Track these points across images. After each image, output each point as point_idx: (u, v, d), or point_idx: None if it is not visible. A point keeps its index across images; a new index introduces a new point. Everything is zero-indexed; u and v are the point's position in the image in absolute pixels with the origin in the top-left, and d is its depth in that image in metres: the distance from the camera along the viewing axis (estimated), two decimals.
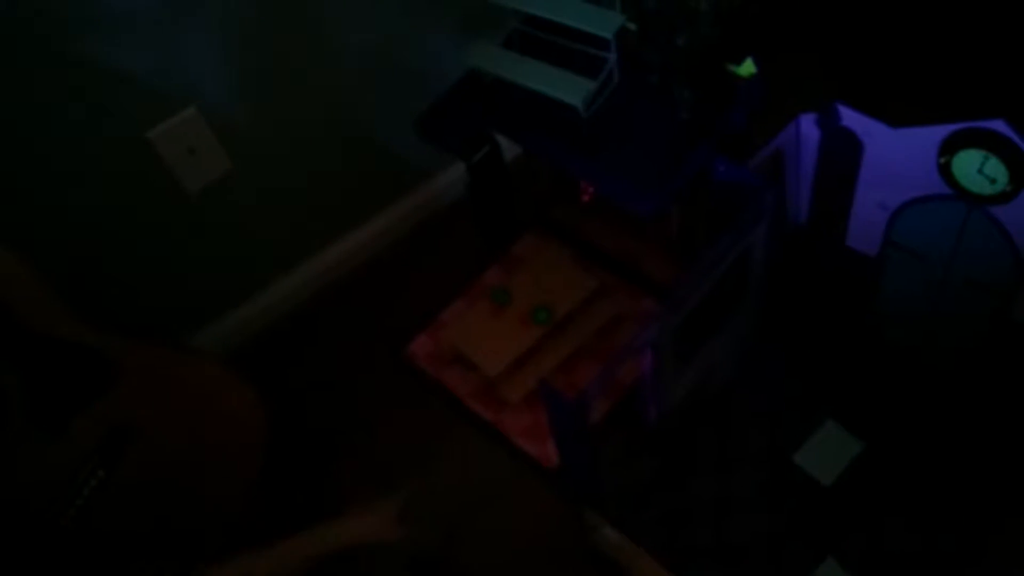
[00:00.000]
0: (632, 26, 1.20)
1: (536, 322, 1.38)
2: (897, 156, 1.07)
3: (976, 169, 0.99)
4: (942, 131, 1.00)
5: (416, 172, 1.62)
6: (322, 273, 1.59)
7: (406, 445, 1.38)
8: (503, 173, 1.36)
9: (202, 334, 1.49)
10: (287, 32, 1.30)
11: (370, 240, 1.62)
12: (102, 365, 1.01)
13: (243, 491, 1.22)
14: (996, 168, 0.97)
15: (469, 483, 1.33)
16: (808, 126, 1.15)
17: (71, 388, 1.00)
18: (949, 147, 1.00)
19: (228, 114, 1.30)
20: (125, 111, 1.21)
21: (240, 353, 1.52)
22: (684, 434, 1.30)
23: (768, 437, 1.27)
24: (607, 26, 1.17)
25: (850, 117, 1.09)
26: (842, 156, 1.14)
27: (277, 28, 1.29)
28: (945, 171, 1.02)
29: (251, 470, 1.21)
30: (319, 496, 1.37)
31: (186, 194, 1.33)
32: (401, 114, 1.31)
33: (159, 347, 1.09)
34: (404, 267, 1.60)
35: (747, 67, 1.15)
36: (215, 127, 1.29)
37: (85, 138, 1.20)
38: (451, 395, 1.40)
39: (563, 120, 1.21)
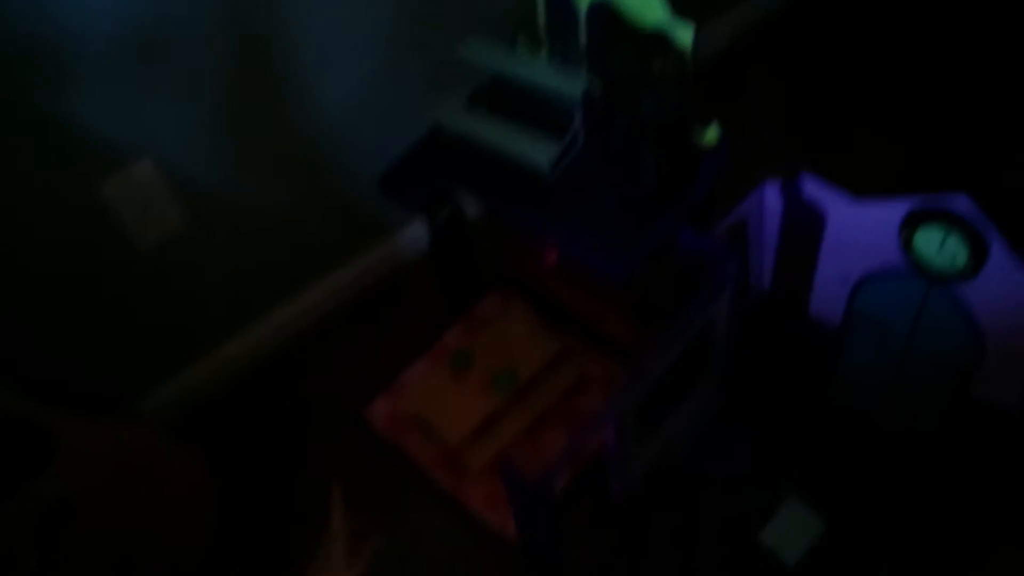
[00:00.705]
0: (598, 89, 1.20)
1: (498, 387, 1.36)
2: (859, 229, 1.07)
3: (937, 246, 0.99)
4: (903, 207, 1.00)
5: (378, 227, 1.60)
6: (279, 329, 1.55)
7: (363, 513, 1.34)
8: (466, 232, 1.34)
9: (153, 397, 1.44)
10: (247, 86, 1.28)
11: (328, 296, 1.58)
12: (39, 441, 0.96)
13: (191, 569, 1.16)
14: (956, 246, 0.97)
15: (427, 554, 1.28)
16: (772, 195, 1.15)
17: (5, 467, 0.94)
18: (910, 223, 1.00)
19: (185, 168, 1.27)
20: (76, 164, 1.17)
21: (193, 415, 1.47)
22: (647, 507, 1.27)
23: (731, 512, 1.25)
24: (573, 88, 1.17)
25: (813, 188, 1.09)
26: (805, 226, 1.14)
27: (237, 81, 1.27)
28: (906, 246, 1.02)
29: (199, 547, 1.16)
30: (274, 566, 1.32)
31: (138, 249, 1.29)
32: (364, 169, 1.29)
33: (100, 419, 1.04)
34: (365, 324, 1.57)
35: (711, 134, 1.15)
36: (171, 181, 1.26)
37: (33, 193, 1.16)
38: (411, 460, 1.36)
39: (528, 180, 1.19)
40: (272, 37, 1.27)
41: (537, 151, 1.18)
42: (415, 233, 1.61)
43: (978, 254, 0.96)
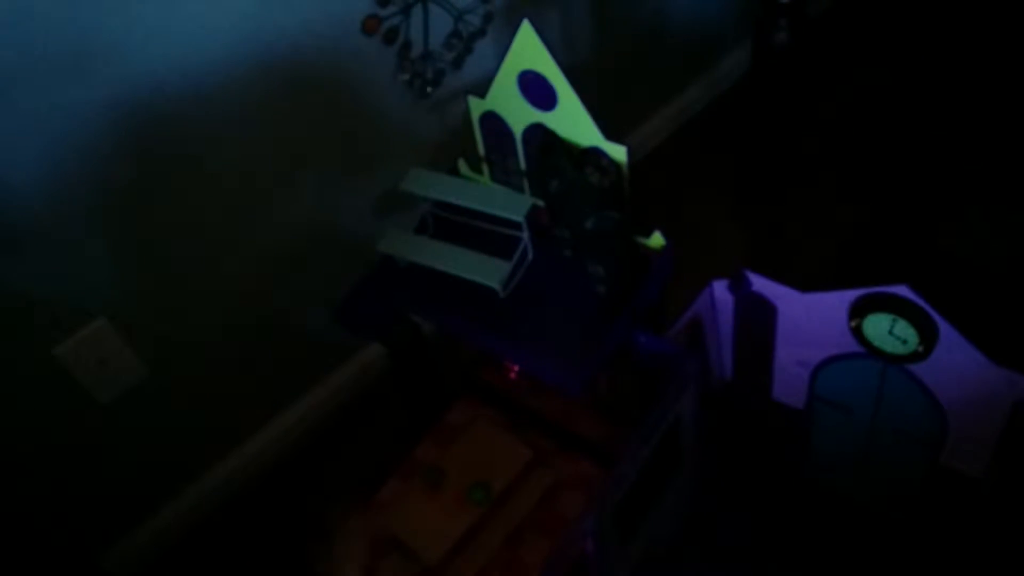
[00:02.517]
0: (541, 203, 1.23)
1: (473, 501, 1.34)
2: (810, 319, 1.09)
3: (886, 331, 1.01)
4: (849, 296, 1.02)
5: (342, 349, 1.60)
6: (251, 460, 1.53)
7: None
8: (426, 350, 1.35)
9: (114, 551, 1.40)
10: (191, 230, 1.29)
11: (297, 422, 1.57)
12: None
13: None
14: (905, 330, 0.99)
15: None
16: (721, 291, 1.17)
17: None
18: (858, 311, 1.02)
19: (139, 320, 1.27)
20: (27, 332, 1.17)
21: (165, 558, 1.44)
22: None
23: None
24: (517, 209, 1.19)
25: (760, 283, 1.11)
26: (757, 318, 1.16)
27: (181, 230, 1.27)
28: (857, 333, 1.04)
29: None
30: None
31: (97, 406, 1.28)
32: (322, 294, 1.30)
33: None
34: (337, 444, 1.56)
35: (656, 239, 1.17)
36: (126, 335, 1.26)
37: None
38: None
39: (482, 300, 1.20)
40: (212, 179, 1.29)
41: (488, 272, 1.20)
42: (379, 350, 1.61)
43: (927, 336, 0.98)
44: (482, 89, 1.16)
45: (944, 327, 0.97)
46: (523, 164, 1.24)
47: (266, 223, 1.37)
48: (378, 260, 1.27)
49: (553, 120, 1.14)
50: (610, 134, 1.08)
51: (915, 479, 1.18)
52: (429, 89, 1.42)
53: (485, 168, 1.30)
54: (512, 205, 1.20)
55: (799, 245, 1.69)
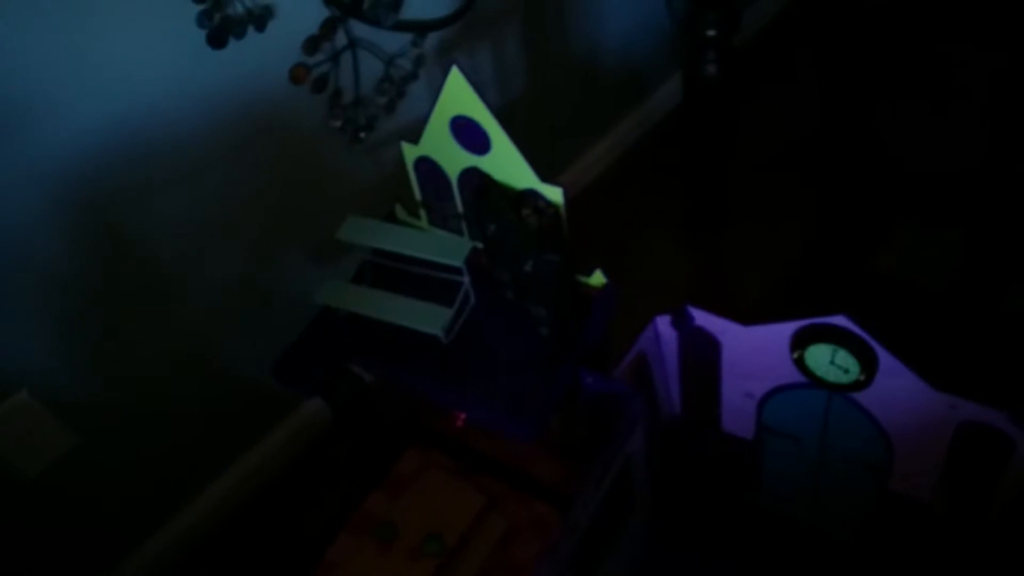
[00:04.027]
0: (480, 246, 1.22)
1: (428, 554, 1.31)
2: (752, 351, 1.09)
3: (828, 361, 1.02)
4: (789, 328, 1.03)
5: (284, 404, 1.56)
6: (187, 532, 1.48)
7: None
8: (369, 404, 1.32)
9: None
10: (121, 292, 1.25)
11: (238, 484, 1.53)
12: None
13: None
14: (846, 359, 1.00)
15: None
16: (665, 327, 1.17)
17: None
18: (799, 342, 1.03)
19: (65, 389, 1.22)
20: None
21: None
22: None
23: None
24: (456, 254, 1.18)
25: (702, 318, 1.11)
26: (702, 352, 1.16)
27: (108, 293, 1.23)
28: (800, 364, 1.05)
29: None
30: None
31: (24, 479, 1.22)
32: (260, 349, 1.26)
33: None
34: (281, 502, 1.51)
35: (597, 278, 1.17)
36: (53, 405, 1.21)
37: None
38: None
39: (425, 348, 1.18)
40: (141, 240, 1.25)
41: (430, 319, 1.18)
42: (322, 402, 1.57)
43: (868, 365, 0.99)
44: (417, 132, 1.15)
45: (883, 355, 0.98)
46: (460, 208, 1.23)
47: (199, 280, 1.33)
48: (317, 312, 1.25)
49: (488, 164, 1.14)
50: (546, 169, 1.07)
51: (866, 505, 1.19)
52: (362, 135, 1.40)
53: (423, 212, 1.29)
54: (451, 250, 1.19)
55: (741, 275, 1.70)
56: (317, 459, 1.57)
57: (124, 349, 1.28)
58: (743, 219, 1.81)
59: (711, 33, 1.48)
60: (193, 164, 1.25)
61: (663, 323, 1.16)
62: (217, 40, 1.15)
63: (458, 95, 1.08)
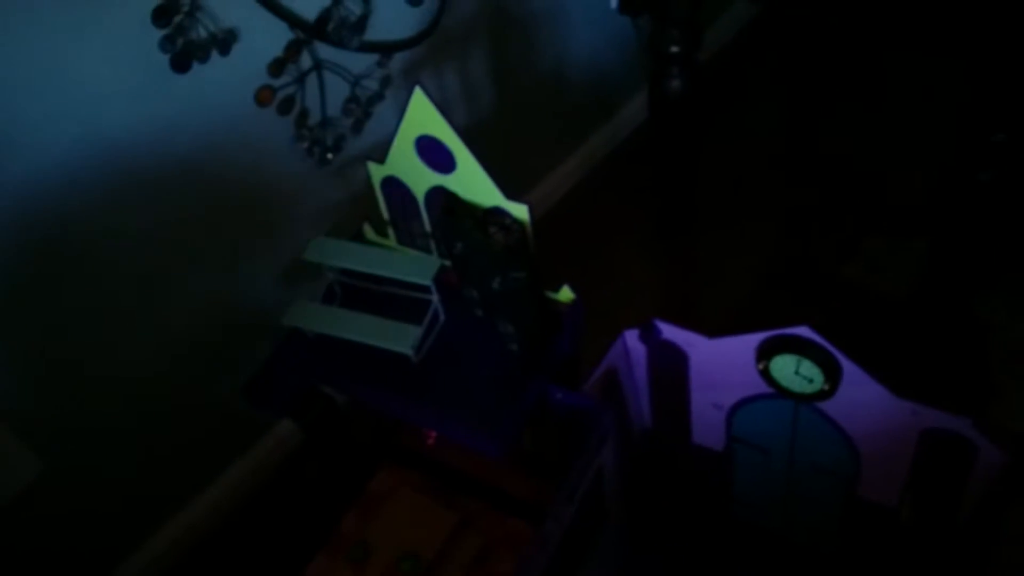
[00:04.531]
0: (449, 264, 1.22)
1: (402, 572, 1.31)
2: (720, 363, 1.10)
3: (793, 371, 1.03)
4: (755, 339, 1.04)
5: (255, 426, 1.55)
6: (162, 555, 1.46)
7: None
8: (341, 424, 1.32)
9: None
10: (86, 317, 1.24)
11: (212, 506, 1.51)
12: None
13: None
14: (810, 369, 1.01)
15: None
16: (633, 341, 1.18)
17: None
18: (764, 353, 1.04)
19: (30, 416, 1.21)
20: None
21: None
22: None
23: None
24: (425, 273, 1.18)
25: (669, 332, 1.12)
26: (670, 365, 1.17)
27: (74, 317, 1.22)
28: (765, 375, 1.06)
29: None
30: None
31: None
32: (229, 372, 1.26)
33: None
34: (256, 523, 1.50)
35: (565, 293, 1.18)
36: (19, 432, 1.19)
37: None
38: None
39: (395, 366, 1.18)
40: (108, 264, 1.24)
41: (399, 338, 1.18)
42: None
43: (831, 375, 1.00)
44: (385, 152, 1.16)
45: (847, 365, 0.99)
46: (428, 226, 1.23)
47: (165, 303, 1.33)
48: (285, 334, 1.24)
49: (453, 182, 1.14)
50: (514, 186, 1.08)
51: (835, 514, 1.20)
52: (330, 155, 1.40)
53: (391, 231, 1.29)
54: (419, 269, 1.19)
55: (710, 286, 1.72)
56: (289, 481, 1.56)
57: (91, 372, 1.27)
58: (712, 230, 1.83)
59: (674, 49, 1.50)
60: (157, 187, 1.24)
61: (631, 337, 1.17)
62: (180, 65, 1.15)
63: (422, 115, 1.09)
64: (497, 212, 1.13)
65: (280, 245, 1.43)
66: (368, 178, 1.22)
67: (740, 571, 1.31)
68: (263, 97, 1.28)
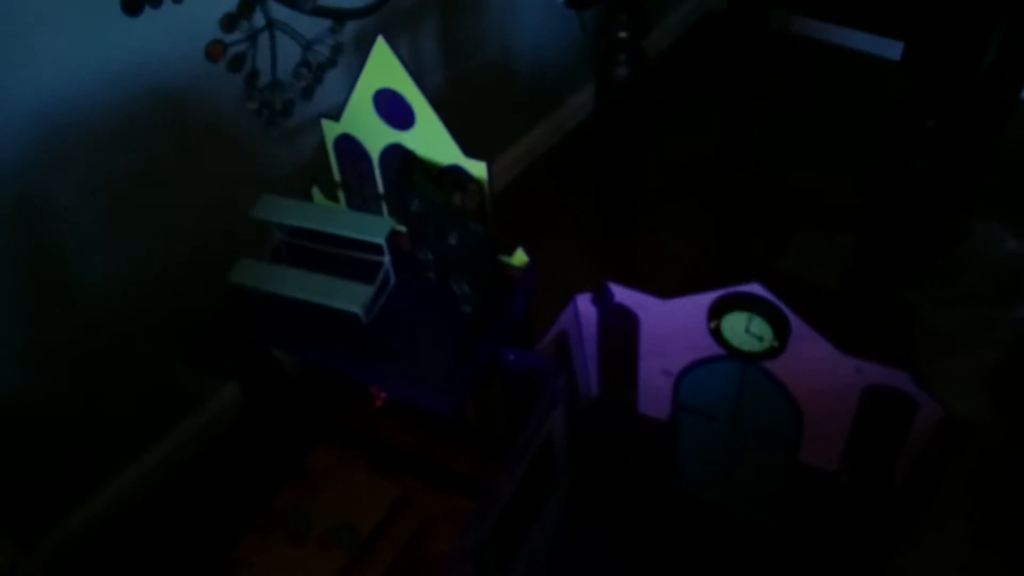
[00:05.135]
0: (402, 228, 1.21)
1: (340, 544, 1.28)
2: (671, 325, 1.12)
3: (743, 329, 1.05)
4: (707, 298, 1.06)
5: (191, 396, 1.50)
6: (90, 525, 1.40)
7: None
8: (285, 388, 1.28)
9: None
10: (24, 267, 1.18)
11: (143, 477, 1.45)
12: None
13: None
14: (761, 327, 1.04)
15: None
16: (585, 305, 1.18)
17: None
18: (716, 312, 1.06)
19: None
20: None
21: None
22: None
23: None
24: (377, 231, 1.17)
25: (622, 294, 1.14)
26: (620, 330, 1.18)
27: (10, 267, 1.17)
28: (716, 334, 1.08)
29: None
30: None
31: None
32: (168, 335, 1.21)
33: None
34: (187, 497, 1.45)
35: (519, 256, 1.18)
36: None
37: None
38: None
39: (343, 328, 1.16)
40: (46, 215, 1.19)
41: (350, 297, 1.16)
42: (231, 395, 1.52)
43: (781, 331, 1.03)
44: (337, 115, 1.14)
45: (795, 321, 1.02)
46: (381, 187, 1.22)
47: (106, 263, 1.28)
48: (230, 293, 1.21)
49: (411, 139, 1.14)
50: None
51: (775, 480, 1.22)
52: (279, 119, 1.38)
53: (341, 195, 1.27)
54: (371, 228, 1.18)
55: (647, 281, 1.74)
56: (226, 454, 1.51)
57: (23, 333, 1.21)
58: (649, 227, 1.87)
59: (623, 35, 1.53)
60: (101, 139, 1.20)
61: (583, 301, 1.18)
62: (132, 6, 1.11)
63: (383, 67, 1.08)
64: (455, 171, 1.13)
65: (226, 207, 1.39)
66: (318, 145, 1.21)
67: (680, 547, 1.32)
68: (213, 52, 1.24)
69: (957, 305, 1.62)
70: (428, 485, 1.41)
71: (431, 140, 1.12)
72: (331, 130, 1.20)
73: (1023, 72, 1.70)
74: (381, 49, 1.06)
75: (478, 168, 1.11)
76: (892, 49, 2.07)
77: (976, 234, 1.72)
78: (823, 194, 1.90)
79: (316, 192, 1.29)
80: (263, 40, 1.31)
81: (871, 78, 2.15)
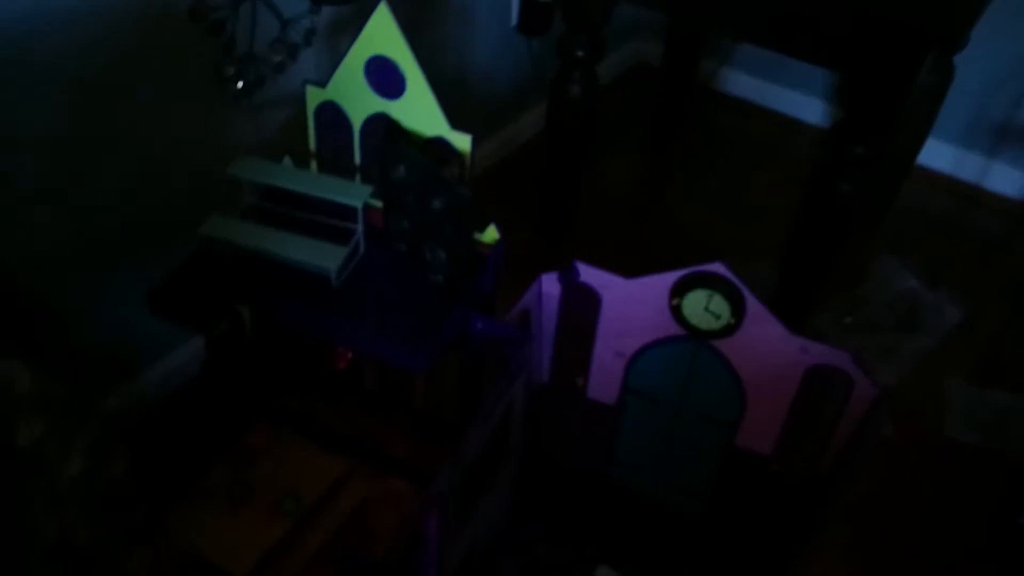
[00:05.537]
0: (374, 202, 1.24)
1: (284, 511, 1.26)
2: (632, 304, 1.19)
3: (703, 307, 1.13)
4: (672, 276, 1.14)
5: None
6: None
7: None
8: (246, 347, 1.27)
9: None
10: None
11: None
12: None
13: None
14: (720, 304, 1.12)
15: None
16: (549, 284, 1.24)
17: None
18: (679, 290, 1.13)
19: None
20: None
21: None
22: None
23: None
24: (355, 196, 1.20)
25: (587, 272, 1.20)
26: (581, 310, 1.24)
27: None
28: (676, 312, 1.15)
29: None
30: None
31: None
32: (125, 291, 1.18)
33: None
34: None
35: (491, 233, 1.23)
36: None
37: None
38: None
39: (313, 289, 1.18)
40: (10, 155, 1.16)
41: (322, 256, 1.18)
42: (179, 359, 1.49)
43: (738, 310, 1.11)
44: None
45: (751, 301, 1.11)
46: (358, 158, 1.25)
47: (79, 200, 1.25)
48: (199, 246, 1.20)
49: (398, 109, 1.18)
50: None
51: (711, 466, 1.29)
52: (252, 90, 1.40)
53: (314, 165, 1.29)
54: (349, 192, 1.20)
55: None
56: (169, 422, 1.45)
57: None
58: (583, 244, 1.95)
59: (580, 54, 1.63)
60: (74, 83, 1.19)
61: (549, 280, 1.23)
62: None
63: (381, 33, 1.13)
64: (438, 143, 1.18)
65: (194, 173, 1.39)
66: (295, 113, 1.23)
67: (612, 534, 1.36)
68: (198, 11, 1.26)
69: (862, 331, 1.77)
70: (367, 468, 1.41)
71: (419, 110, 1.16)
72: (315, 97, 1.23)
73: (925, 129, 1.91)
74: (382, 14, 1.11)
75: (463, 141, 1.16)
76: (807, 111, 2.32)
77: (878, 272, 1.89)
78: (734, 232, 2.03)
79: (287, 161, 1.30)
80: (245, 10, 1.34)
81: (784, 137, 2.33)
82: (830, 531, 1.44)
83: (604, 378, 1.29)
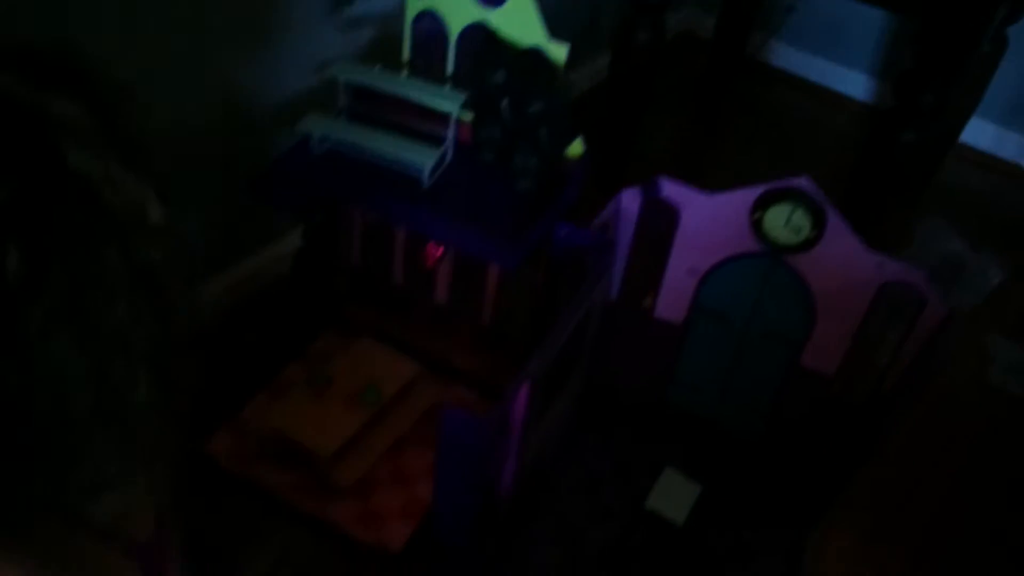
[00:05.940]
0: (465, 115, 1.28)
1: (365, 402, 1.31)
2: (712, 220, 1.23)
3: (783, 222, 1.18)
4: (755, 192, 1.18)
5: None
6: None
7: (215, 550, 1.18)
8: (336, 241, 1.32)
9: None
10: None
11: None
12: None
13: None
14: (801, 218, 1.16)
15: None
16: (629, 200, 1.28)
17: None
18: (761, 204, 1.18)
19: None
20: None
21: None
22: (525, 510, 1.28)
23: (610, 496, 1.30)
24: (452, 102, 1.24)
25: (670, 188, 1.25)
26: (658, 226, 1.29)
27: None
28: (756, 226, 1.20)
29: None
30: None
31: None
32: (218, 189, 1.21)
33: None
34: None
35: (576, 147, 1.27)
36: None
37: None
38: (264, 491, 1.24)
39: (405, 188, 1.22)
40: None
41: (416, 155, 1.22)
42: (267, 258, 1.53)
43: (819, 223, 1.16)
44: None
45: (833, 216, 1.16)
46: (451, 68, 1.30)
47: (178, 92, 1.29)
48: (296, 143, 1.25)
49: (497, 18, 1.22)
50: None
51: (774, 386, 1.34)
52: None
53: (405, 75, 1.34)
54: (445, 98, 1.25)
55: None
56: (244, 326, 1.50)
57: None
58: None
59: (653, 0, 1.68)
60: None
61: (629, 194, 1.27)
62: None
63: None
64: (531, 56, 1.22)
65: (276, 85, 1.43)
66: (387, 24, 1.26)
67: (670, 460, 1.41)
68: None
69: None
70: (433, 375, 1.45)
71: (519, 19, 1.21)
72: (414, 5, 1.27)
73: (975, 99, 1.96)
74: None
75: (559, 51, 1.21)
76: (854, 87, 2.37)
77: (922, 234, 1.94)
78: None
79: (378, 70, 1.35)
80: None
81: (828, 111, 2.38)
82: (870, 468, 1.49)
83: (674, 296, 1.34)
